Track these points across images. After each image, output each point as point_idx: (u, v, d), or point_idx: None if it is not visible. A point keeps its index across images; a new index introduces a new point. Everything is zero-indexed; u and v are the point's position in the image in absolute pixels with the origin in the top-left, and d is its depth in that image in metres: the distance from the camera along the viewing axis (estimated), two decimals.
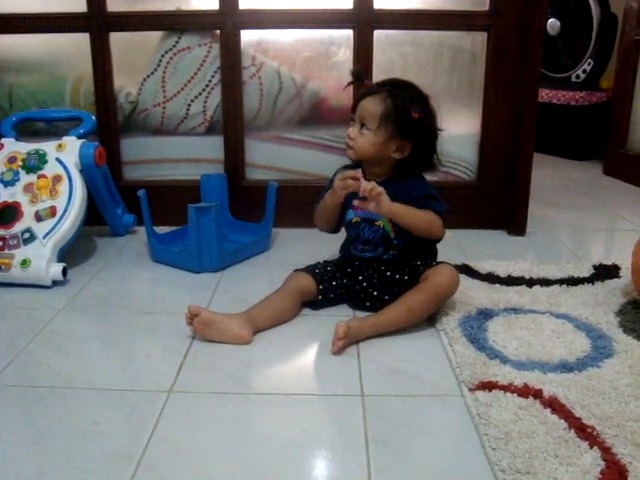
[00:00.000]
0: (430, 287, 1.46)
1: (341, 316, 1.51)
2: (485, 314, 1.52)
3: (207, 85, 2.20)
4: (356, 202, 1.46)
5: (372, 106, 1.48)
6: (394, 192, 1.49)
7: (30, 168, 1.87)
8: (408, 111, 1.47)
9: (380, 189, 1.42)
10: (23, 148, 1.92)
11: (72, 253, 1.87)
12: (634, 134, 3.10)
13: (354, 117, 1.53)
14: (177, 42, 2.19)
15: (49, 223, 1.78)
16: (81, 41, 2.13)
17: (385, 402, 1.20)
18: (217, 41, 2.16)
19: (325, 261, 1.64)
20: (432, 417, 1.17)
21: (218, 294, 1.69)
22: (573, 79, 3.65)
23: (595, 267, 1.82)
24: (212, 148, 2.23)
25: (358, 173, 1.47)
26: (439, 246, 1.64)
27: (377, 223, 1.55)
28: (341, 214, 1.63)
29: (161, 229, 1.97)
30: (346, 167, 1.65)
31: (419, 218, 1.49)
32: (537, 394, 1.18)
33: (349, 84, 1.62)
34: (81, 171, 1.89)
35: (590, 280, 1.74)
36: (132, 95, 2.24)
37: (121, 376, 1.31)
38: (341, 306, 1.60)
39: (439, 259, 1.63)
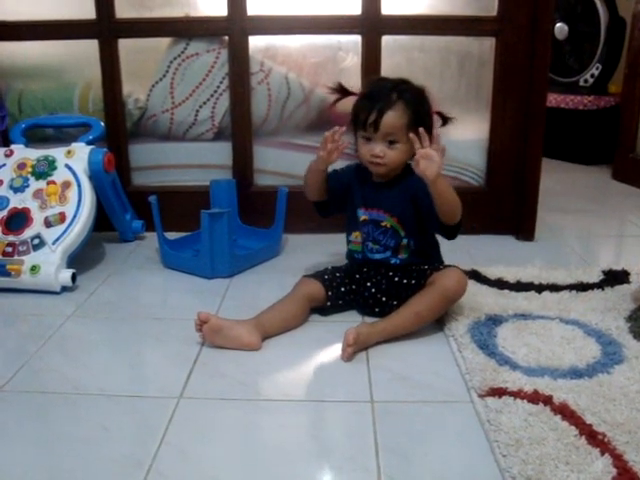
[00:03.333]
0: (437, 290, 1.46)
1: (349, 322, 1.50)
2: (494, 320, 1.52)
3: (215, 91, 2.21)
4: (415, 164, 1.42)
5: (397, 120, 1.46)
6: (402, 191, 1.51)
7: (39, 174, 1.88)
8: (428, 112, 1.50)
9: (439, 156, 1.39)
10: (32, 154, 1.92)
11: (81, 259, 1.88)
12: None
13: (372, 135, 1.49)
14: (185, 48, 2.20)
15: (58, 229, 1.79)
16: (90, 47, 2.14)
17: (394, 408, 1.20)
18: (225, 47, 2.17)
19: (334, 267, 1.64)
20: (442, 423, 1.17)
21: (227, 300, 1.69)
22: (581, 84, 3.63)
23: (605, 272, 1.82)
24: (220, 154, 2.24)
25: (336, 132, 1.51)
26: (446, 251, 1.64)
27: (383, 224, 1.55)
28: (335, 200, 1.64)
29: (170, 235, 1.97)
30: (352, 167, 1.66)
31: (454, 196, 1.44)
32: (547, 400, 1.18)
33: (337, 101, 1.60)
34: (90, 177, 1.89)
35: (600, 286, 1.73)
36: (141, 101, 2.25)
37: (131, 382, 1.31)
38: (349, 312, 1.60)
39: (447, 262, 1.63)
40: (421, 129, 1.40)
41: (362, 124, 1.49)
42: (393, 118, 1.46)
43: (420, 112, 1.49)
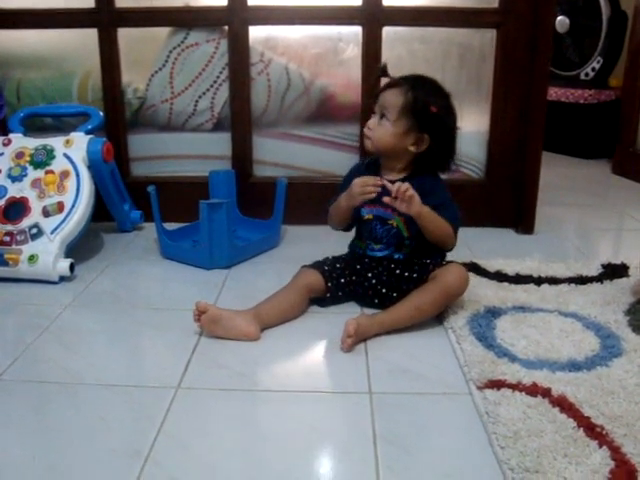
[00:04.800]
0: (439, 286, 1.46)
1: (349, 313, 1.50)
2: (493, 312, 1.52)
3: (215, 81, 2.20)
4: (387, 199, 1.44)
5: (393, 97, 1.49)
6: (414, 189, 1.49)
7: (38, 163, 1.87)
8: (427, 105, 1.47)
9: (413, 191, 1.42)
10: (31, 143, 1.92)
11: (79, 249, 1.87)
12: None
13: (375, 108, 1.53)
14: (185, 38, 2.19)
15: (57, 219, 1.78)
16: (89, 37, 2.13)
17: (393, 400, 1.20)
18: (225, 37, 2.16)
19: (334, 257, 1.63)
20: (440, 415, 1.16)
21: (226, 291, 1.69)
22: (582, 77, 3.63)
23: (604, 266, 1.81)
24: (220, 144, 2.23)
25: (380, 180, 1.47)
26: None
27: (390, 222, 1.55)
28: (354, 213, 1.62)
29: (168, 225, 1.97)
30: (360, 166, 1.65)
31: (440, 227, 1.49)
32: (546, 393, 1.17)
33: (376, 78, 1.61)
34: (89, 167, 1.89)
35: (599, 279, 1.73)
36: (140, 91, 2.24)
37: (128, 372, 1.31)
38: (349, 303, 1.60)
39: (448, 257, 1.63)
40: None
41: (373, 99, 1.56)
42: (390, 94, 1.50)
43: (420, 103, 1.47)
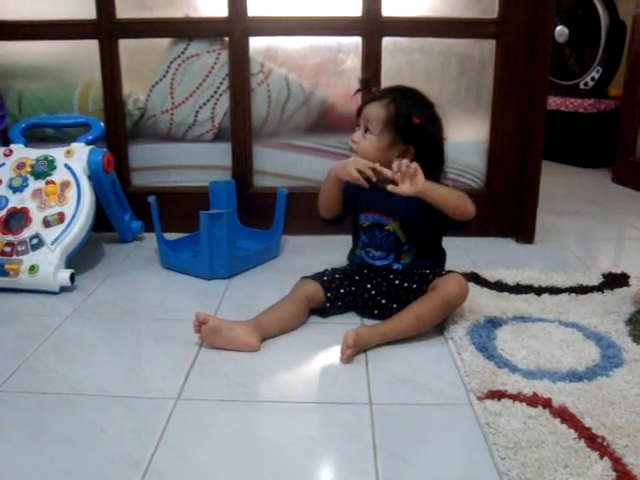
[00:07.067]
0: (439, 296, 1.45)
1: (349, 324, 1.50)
2: (493, 322, 1.52)
3: (215, 92, 2.20)
4: (390, 187, 1.42)
5: (376, 111, 1.50)
6: (404, 198, 1.49)
7: (39, 174, 1.87)
8: (409, 117, 1.47)
9: (415, 165, 1.40)
10: (32, 154, 1.92)
11: (80, 259, 1.87)
12: None
13: (359, 122, 1.54)
14: (186, 49, 2.20)
15: (57, 229, 1.78)
16: (90, 48, 2.14)
17: (393, 411, 1.20)
18: (226, 48, 2.16)
19: (333, 268, 1.63)
20: (440, 426, 1.16)
21: (226, 301, 1.69)
22: (581, 87, 3.64)
23: (604, 275, 1.81)
24: (220, 155, 2.23)
25: (374, 166, 1.47)
26: (447, 254, 1.64)
27: (386, 228, 1.55)
28: (347, 206, 1.62)
29: (169, 235, 1.97)
30: None
31: (451, 193, 1.48)
32: (546, 403, 1.17)
33: (358, 91, 1.62)
34: (89, 177, 1.89)
35: (599, 289, 1.73)
36: (140, 101, 2.24)
37: (128, 383, 1.31)
38: (349, 314, 1.60)
39: (447, 266, 1.63)
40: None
41: (357, 113, 1.57)
42: (373, 107, 1.51)
43: (402, 116, 1.47)
